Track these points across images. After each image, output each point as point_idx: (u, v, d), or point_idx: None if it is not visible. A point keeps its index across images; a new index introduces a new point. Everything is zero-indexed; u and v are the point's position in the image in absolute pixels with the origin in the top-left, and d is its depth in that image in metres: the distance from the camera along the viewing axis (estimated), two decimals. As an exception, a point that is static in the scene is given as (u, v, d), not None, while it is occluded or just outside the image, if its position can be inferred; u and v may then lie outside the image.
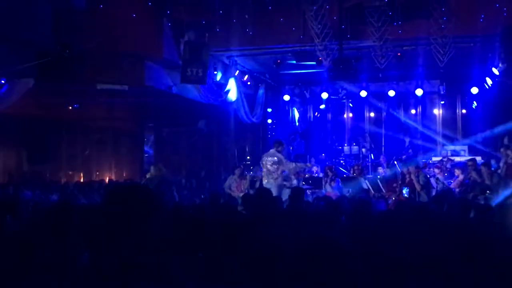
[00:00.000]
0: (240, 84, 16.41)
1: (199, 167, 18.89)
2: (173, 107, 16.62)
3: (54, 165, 17.11)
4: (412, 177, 12.33)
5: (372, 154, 18.17)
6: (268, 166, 12.58)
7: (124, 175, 18.86)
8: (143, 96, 14.37)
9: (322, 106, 19.52)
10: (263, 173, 12.88)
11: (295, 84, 18.66)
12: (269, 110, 19.55)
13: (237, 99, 16.25)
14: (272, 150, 12.80)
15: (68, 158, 18.34)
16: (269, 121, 19.41)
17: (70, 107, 15.49)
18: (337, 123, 19.79)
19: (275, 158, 12.58)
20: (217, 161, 19.18)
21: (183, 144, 19.22)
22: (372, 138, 19.01)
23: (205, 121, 19.38)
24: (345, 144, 18.76)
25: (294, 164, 12.81)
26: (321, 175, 14.97)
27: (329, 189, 14.24)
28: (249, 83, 17.08)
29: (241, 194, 13.97)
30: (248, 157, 18.67)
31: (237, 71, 15.34)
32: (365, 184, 13.25)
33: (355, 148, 18.31)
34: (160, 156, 19.27)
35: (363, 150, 18.33)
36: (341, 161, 17.98)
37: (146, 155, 19.67)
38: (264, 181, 12.66)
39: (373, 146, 18.59)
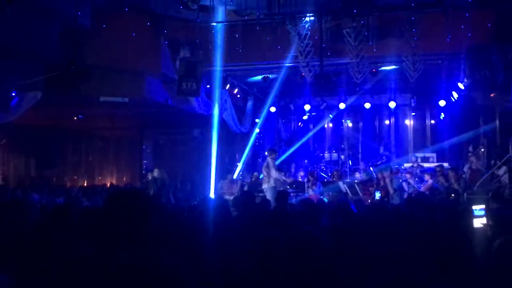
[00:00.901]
0: (230, 97, 16.43)
1: (194, 171, 18.82)
2: (170, 117, 16.62)
3: (60, 170, 17.01)
4: (386, 181, 12.39)
5: (350, 161, 18.23)
6: (264, 172, 13.01)
7: (125, 179, 18.78)
8: (143, 107, 14.34)
9: (305, 117, 19.59)
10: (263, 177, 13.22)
11: (280, 97, 18.65)
12: (257, 120, 19.55)
13: (226, 110, 16.23)
14: (268, 158, 13.21)
15: (73, 164, 18.26)
16: (257, 130, 19.39)
17: (75, 118, 15.40)
18: (318, 132, 19.80)
19: (266, 163, 12.89)
20: (210, 166, 19.08)
21: (179, 151, 19.14)
22: (350, 145, 19.11)
23: (200, 129, 19.31)
24: (326, 151, 18.80)
25: (277, 174, 12.93)
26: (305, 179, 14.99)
27: (311, 192, 14.27)
28: (238, 95, 17.07)
29: (232, 197, 14.07)
30: (238, 164, 18.60)
31: (228, 85, 15.30)
32: (344, 188, 13.28)
33: (334, 155, 18.37)
34: (157, 162, 19.18)
35: (342, 157, 18.40)
36: (322, 167, 18.02)
37: (145, 161, 19.55)
38: (262, 185, 13.07)
39: (350, 153, 18.67)
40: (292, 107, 19.04)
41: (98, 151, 18.31)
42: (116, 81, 12.82)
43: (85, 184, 17.30)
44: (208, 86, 14.96)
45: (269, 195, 12.76)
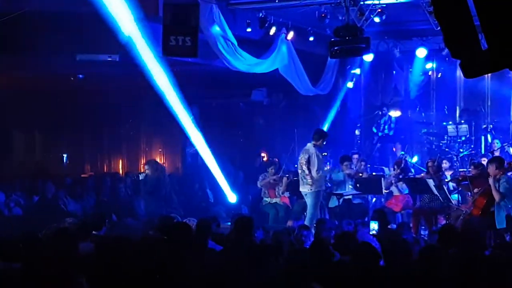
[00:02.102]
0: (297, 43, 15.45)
1: (256, 152, 18.31)
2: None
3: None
4: (490, 181, 10.79)
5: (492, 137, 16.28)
6: (303, 167, 12.12)
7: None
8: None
9: (429, 65, 18.03)
10: (299, 175, 12.42)
11: (380, 39, 17.16)
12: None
13: (286, 65, 15.32)
14: (309, 144, 12.32)
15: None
16: (350, 85, 18.12)
17: (72, 78, 15.64)
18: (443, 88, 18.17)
19: (307, 156, 12.10)
20: (280, 144, 18.43)
21: (234, 121, 18.75)
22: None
23: (265, 90, 18.66)
24: (450, 122, 17.02)
25: (317, 174, 11.94)
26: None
27: (396, 192, 13.10)
28: (311, 39, 15.94)
29: (275, 200, 13.46)
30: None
31: (274, 28, 14.31)
32: (434, 189, 11.89)
33: (463, 127, 16.56)
34: (206, 136, 18.95)
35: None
36: (443, 147, 16.42)
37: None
38: (300, 187, 12.34)
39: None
40: (397, 54, 17.47)
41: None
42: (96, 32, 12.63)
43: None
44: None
45: (309, 203, 12.07)
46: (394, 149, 16.74)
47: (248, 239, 8.19)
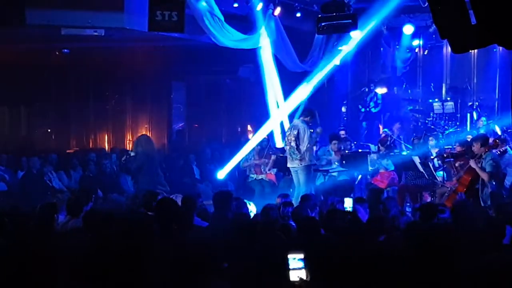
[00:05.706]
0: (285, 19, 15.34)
1: (241, 128, 18.28)
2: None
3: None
4: (471, 163, 10.77)
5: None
6: (292, 143, 12.11)
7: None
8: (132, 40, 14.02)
9: (416, 42, 17.91)
10: (286, 151, 12.45)
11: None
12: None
13: (274, 41, 15.22)
14: (296, 120, 12.44)
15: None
16: (336, 62, 18.05)
17: (57, 53, 15.45)
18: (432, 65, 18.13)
19: (297, 131, 12.06)
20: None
21: (220, 98, 18.68)
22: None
23: (251, 67, 18.53)
24: (436, 99, 17.02)
25: (307, 149, 12.02)
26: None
27: (381, 169, 13.10)
28: (298, 15, 15.86)
29: (261, 176, 13.48)
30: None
31: (261, 4, 14.19)
32: (419, 166, 11.92)
33: (449, 104, 16.57)
34: (193, 112, 18.92)
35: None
36: (429, 124, 16.43)
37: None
38: (288, 163, 12.33)
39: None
40: (384, 31, 17.36)
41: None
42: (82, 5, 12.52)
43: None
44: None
45: (302, 179, 12.03)
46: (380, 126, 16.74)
47: (230, 213, 8.22)
